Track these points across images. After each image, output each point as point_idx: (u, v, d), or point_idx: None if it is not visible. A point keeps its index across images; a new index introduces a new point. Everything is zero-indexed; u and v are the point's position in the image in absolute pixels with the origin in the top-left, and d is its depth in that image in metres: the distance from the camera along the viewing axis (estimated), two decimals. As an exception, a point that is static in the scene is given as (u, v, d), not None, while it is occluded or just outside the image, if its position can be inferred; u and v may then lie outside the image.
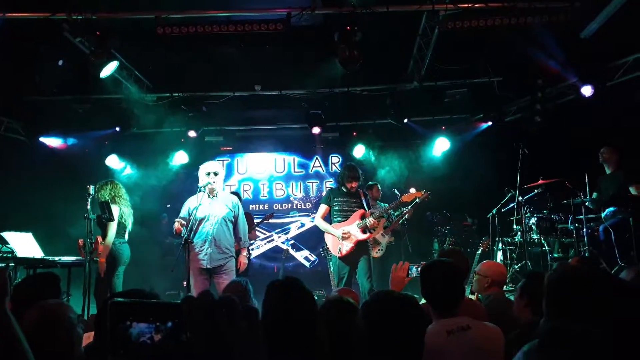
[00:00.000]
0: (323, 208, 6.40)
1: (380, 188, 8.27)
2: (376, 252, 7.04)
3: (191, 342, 1.07)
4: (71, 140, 9.21)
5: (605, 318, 1.58)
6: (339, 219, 6.31)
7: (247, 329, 1.05)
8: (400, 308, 1.95)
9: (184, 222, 5.31)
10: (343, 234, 6.13)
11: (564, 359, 1.07)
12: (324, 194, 9.99)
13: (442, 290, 2.57)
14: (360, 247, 6.21)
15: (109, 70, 6.72)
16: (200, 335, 1.05)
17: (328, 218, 6.41)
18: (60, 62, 7.08)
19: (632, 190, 6.61)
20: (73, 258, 6.03)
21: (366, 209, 6.31)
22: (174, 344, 1.11)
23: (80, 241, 5.69)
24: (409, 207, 6.95)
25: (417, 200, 6.74)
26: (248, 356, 1.05)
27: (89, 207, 5.55)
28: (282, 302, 2.02)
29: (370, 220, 6.15)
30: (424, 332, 2.02)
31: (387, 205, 7.08)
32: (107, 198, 5.99)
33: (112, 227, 5.91)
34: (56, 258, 5.92)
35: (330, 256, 6.45)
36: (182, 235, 5.26)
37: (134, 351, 1.13)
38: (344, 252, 6.14)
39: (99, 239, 5.79)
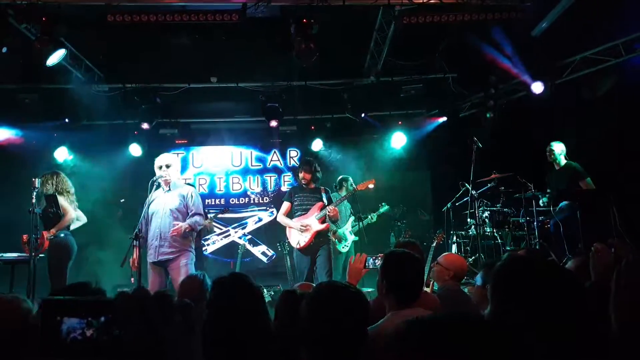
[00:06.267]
0: (285, 205, 6.46)
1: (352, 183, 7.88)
2: (343, 248, 7.36)
3: (124, 337, 1.04)
4: (17, 132, 8.78)
5: (543, 304, 1.56)
6: (299, 213, 6.36)
7: (182, 323, 1.04)
8: (341, 298, 1.95)
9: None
10: (302, 226, 6.17)
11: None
12: (282, 188, 10.03)
13: (409, 281, 2.57)
14: (319, 239, 6.23)
15: (56, 58, 6.42)
16: (133, 330, 1.02)
17: (290, 216, 6.44)
18: (4, 50, 6.73)
19: (582, 185, 6.84)
20: (16, 255, 5.74)
21: (325, 202, 6.31)
22: (107, 339, 1.07)
23: (25, 237, 5.45)
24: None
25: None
26: (182, 350, 1.03)
27: (34, 200, 5.32)
28: (226, 300, 1.99)
29: (329, 208, 6.16)
30: (365, 322, 2.02)
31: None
32: (52, 191, 5.76)
33: (69, 214, 5.71)
34: (-3, 254, 5.63)
35: (288, 250, 6.48)
36: (135, 230, 5.18)
37: (64, 348, 1.08)
38: (302, 244, 6.18)
39: (45, 234, 5.56)
